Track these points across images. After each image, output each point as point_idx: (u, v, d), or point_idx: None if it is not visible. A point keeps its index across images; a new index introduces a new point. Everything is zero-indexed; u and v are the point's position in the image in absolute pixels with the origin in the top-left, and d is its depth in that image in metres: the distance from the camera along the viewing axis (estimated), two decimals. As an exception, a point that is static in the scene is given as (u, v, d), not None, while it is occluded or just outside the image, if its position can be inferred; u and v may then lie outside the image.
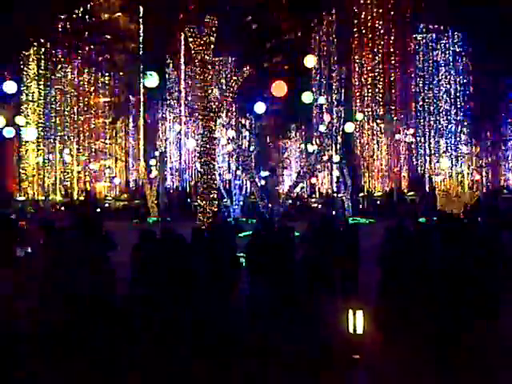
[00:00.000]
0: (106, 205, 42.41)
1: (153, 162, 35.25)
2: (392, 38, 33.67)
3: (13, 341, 5.06)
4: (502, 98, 34.03)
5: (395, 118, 33.38)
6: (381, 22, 33.93)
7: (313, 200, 42.43)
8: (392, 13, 32.81)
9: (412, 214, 16.46)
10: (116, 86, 38.35)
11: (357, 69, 34.44)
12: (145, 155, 36.33)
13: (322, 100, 30.55)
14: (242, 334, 6.20)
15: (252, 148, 33.20)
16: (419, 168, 32.98)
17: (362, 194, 39.93)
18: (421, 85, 30.92)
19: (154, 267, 5.89)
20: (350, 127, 27.97)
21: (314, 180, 38.94)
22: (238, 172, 31.67)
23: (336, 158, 33.10)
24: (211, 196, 14.27)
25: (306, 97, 18.39)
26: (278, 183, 34.84)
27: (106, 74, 37.92)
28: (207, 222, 13.23)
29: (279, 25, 38.20)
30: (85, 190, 38.93)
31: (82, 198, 38.53)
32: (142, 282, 6.26)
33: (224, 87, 17.69)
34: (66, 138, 36.87)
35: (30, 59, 36.56)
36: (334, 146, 32.65)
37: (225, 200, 31.97)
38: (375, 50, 33.84)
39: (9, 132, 15.63)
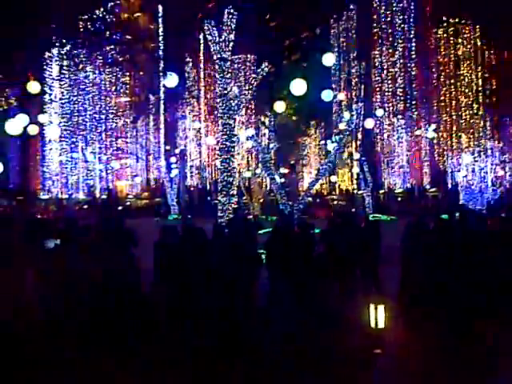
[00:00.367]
0: (128, 203, 42.88)
1: (173, 159, 35.54)
2: (412, 32, 33.34)
3: (38, 328, 5.19)
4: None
5: (416, 113, 33.06)
6: (401, 17, 33.63)
7: (333, 197, 42.23)
8: (412, 7, 32.45)
9: (433, 211, 16.29)
10: (136, 86, 38.77)
11: (377, 64, 34.17)
12: (165, 153, 36.65)
13: (341, 96, 30.44)
14: (261, 329, 6.24)
15: (272, 145, 33.18)
16: (441, 164, 32.51)
17: (382, 191, 39.58)
18: (442, 79, 30.47)
19: (175, 262, 5.96)
20: (369, 123, 27.79)
21: (334, 178, 38.77)
22: (258, 170, 31.73)
23: (356, 155, 32.95)
24: (231, 193, 14.34)
25: (326, 95, 18.36)
26: (297, 180, 34.81)
27: (127, 74, 38.36)
28: (227, 219, 13.29)
29: (298, 22, 38.10)
30: (107, 188, 39.47)
31: (104, 196, 39.07)
32: (164, 278, 6.35)
33: (243, 85, 17.75)
34: (88, 137, 37.43)
35: (53, 60, 37.18)
36: (354, 142, 32.51)
37: (244, 198, 32.05)
38: (395, 44, 33.55)
39: (33, 130, 15.92)
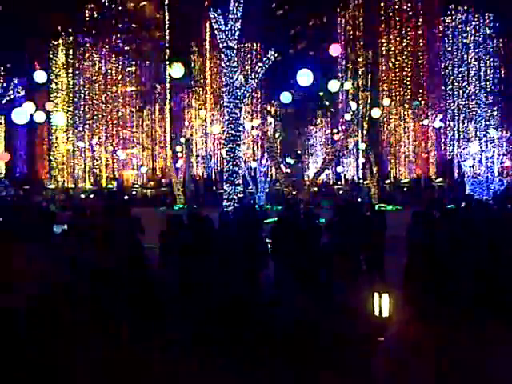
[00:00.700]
0: (134, 192, 43.04)
1: (179, 148, 35.56)
2: (420, 20, 33.00)
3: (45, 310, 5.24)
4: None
5: (422, 102, 32.81)
6: (408, 4, 33.27)
7: (338, 187, 42.18)
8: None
9: (439, 201, 16.22)
10: (142, 75, 38.71)
11: (384, 52, 33.88)
12: (171, 143, 36.68)
13: (347, 85, 30.25)
14: (267, 316, 6.29)
15: (277, 135, 33.12)
16: (448, 154, 32.29)
17: (388, 181, 39.48)
18: (450, 68, 30.14)
19: (181, 249, 6.01)
20: (376, 113, 27.66)
21: (340, 168, 38.68)
22: (264, 160, 31.69)
23: (362, 145, 32.83)
24: (236, 182, 14.38)
25: (333, 85, 18.27)
26: (303, 170, 34.76)
27: (133, 63, 38.30)
28: (233, 207, 13.35)
29: (304, 11, 37.89)
30: (113, 177, 39.62)
31: (110, 185, 39.24)
32: (170, 265, 6.40)
33: (249, 74, 17.68)
34: (94, 126, 37.51)
35: (59, 48, 37.18)
36: (360, 132, 32.36)
37: (250, 187, 32.08)
38: (403, 32, 33.24)
39: (39, 117, 15.96)
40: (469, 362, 5.03)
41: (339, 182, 42.45)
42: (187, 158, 34.69)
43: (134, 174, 43.35)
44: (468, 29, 29.44)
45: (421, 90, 33.09)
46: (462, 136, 30.20)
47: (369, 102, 31.76)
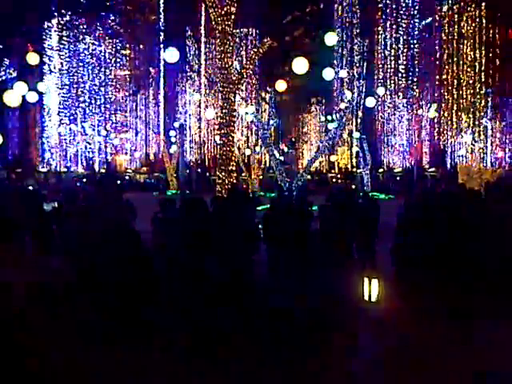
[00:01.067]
0: (127, 177, 42.91)
1: (172, 133, 35.40)
2: (416, 8, 32.88)
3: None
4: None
5: (417, 91, 32.82)
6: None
7: (332, 175, 42.28)
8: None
9: (431, 190, 16.30)
10: (136, 58, 38.37)
11: (380, 41, 33.78)
12: (164, 128, 36.49)
13: (343, 74, 30.17)
14: (258, 301, 6.33)
15: (272, 122, 33.03)
16: (441, 143, 32.41)
17: (381, 170, 39.60)
18: (445, 57, 30.12)
19: (174, 232, 6.02)
20: (370, 102, 27.63)
21: (333, 158, 38.72)
22: (258, 148, 31.66)
23: (356, 134, 32.85)
24: (230, 168, 14.35)
25: (327, 73, 18.13)
26: (297, 157, 34.78)
27: (127, 46, 37.92)
28: (226, 192, 13.31)
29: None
30: (106, 161, 39.41)
31: (103, 170, 39.05)
32: (163, 250, 6.41)
33: (244, 59, 17.58)
34: (87, 109, 37.19)
35: (52, 30, 36.68)
36: (354, 120, 32.39)
37: (243, 174, 32.09)
38: (399, 20, 33.12)
39: (32, 97, 15.75)
40: (454, 347, 5.12)
41: (332, 171, 42.56)
42: (181, 143, 34.55)
43: (127, 159, 43.18)
44: (464, 18, 29.41)
45: (415, 79, 33.09)
46: (455, 126, 30.29)
47: (364, 90, 31.73)
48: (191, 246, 5.65)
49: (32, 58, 17.34)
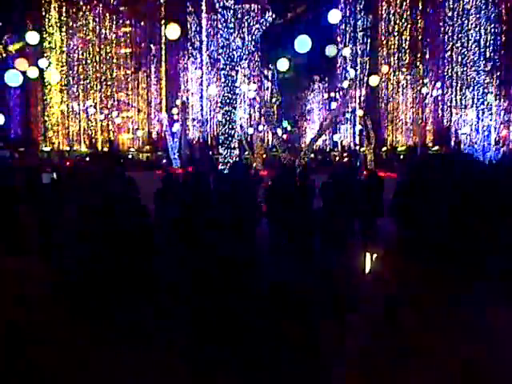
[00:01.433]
0: (129, 156, 42.87)
1: (174, 111, 35.20)
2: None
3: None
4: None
5: (421, 69, 32.46)
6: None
7: (335, 153, 42.14)
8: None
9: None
10: (137, 36, 37.96)
11: (384, 16, 33.29)
12: (166, 106, 36.29)
13: (346, 51, 29.78)
14: (260, 278, 6.38)
15: (274, 100, 32.82)
16: (445, 121, 32.16)
17: (384, 148, 39.45)
18: (449, 34, 29.67)
19: (175, 206, 6.05)
20: (374, 80, 27.34)
21: (336, 137, 38.53)
22: (260, 127, 31.51)
23: (359, 112, 32.62)
24: (232, 146, 14.34)
25: (330, 50, 17.90)
26: (300, 136, 34.64)
27: (128, 23, 37.48)
28: (229, 167, 13.32)
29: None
30: (108, 140, 39.33)
31: (106, 149, 39.01)
32: (166, 226, 6.44)
33: (246, 36, 17.38)
34: (88, 87, 36.96)
35: (52, 6, 36.24)
36: (357, 98, 32.10)
37: (246, 153, 32.02)
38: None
39: (33, 73, 15.63)
40: (455, 319, 5.16)
41: (336, 149, 42.39)
42: (183, 121, 34.41)
43: (129, 137, 43.08)
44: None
45: (419, 55, 32.69)
46: (459, 104, 30.01)
47: (367, 68, 31.40)
48: (192, 220, 5.67)
49: (32, 37, 17.15)
